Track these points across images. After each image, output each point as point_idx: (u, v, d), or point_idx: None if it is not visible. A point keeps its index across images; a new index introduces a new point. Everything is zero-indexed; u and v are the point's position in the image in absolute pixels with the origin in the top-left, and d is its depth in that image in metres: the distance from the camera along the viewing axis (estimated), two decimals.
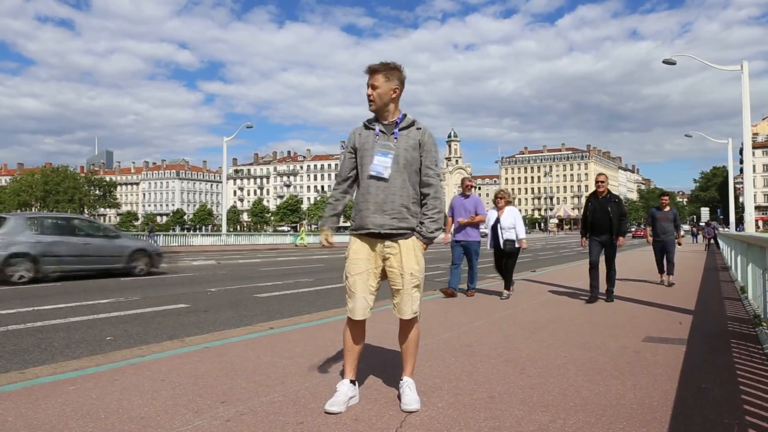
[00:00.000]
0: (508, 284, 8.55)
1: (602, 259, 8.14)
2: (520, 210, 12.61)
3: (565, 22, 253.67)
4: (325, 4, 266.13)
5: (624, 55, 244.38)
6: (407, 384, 3.19)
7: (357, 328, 3.19)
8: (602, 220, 7.95)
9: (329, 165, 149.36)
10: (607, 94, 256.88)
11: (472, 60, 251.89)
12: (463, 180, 9.09)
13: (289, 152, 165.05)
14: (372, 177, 3.11)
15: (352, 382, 3.19)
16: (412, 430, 2.80)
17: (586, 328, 5.78)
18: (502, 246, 8.50)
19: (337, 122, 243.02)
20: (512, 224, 8.50)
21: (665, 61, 19.98)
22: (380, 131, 3.20)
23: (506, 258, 8.59)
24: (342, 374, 3.24)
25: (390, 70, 3.13)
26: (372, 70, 3.15)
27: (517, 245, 8.51)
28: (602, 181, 8.10)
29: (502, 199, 8.71)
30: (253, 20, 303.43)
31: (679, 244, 11.11)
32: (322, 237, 3.35)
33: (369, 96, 3.16)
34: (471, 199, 8.72)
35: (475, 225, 8.63)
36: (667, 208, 10.92)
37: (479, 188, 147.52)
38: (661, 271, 10.88)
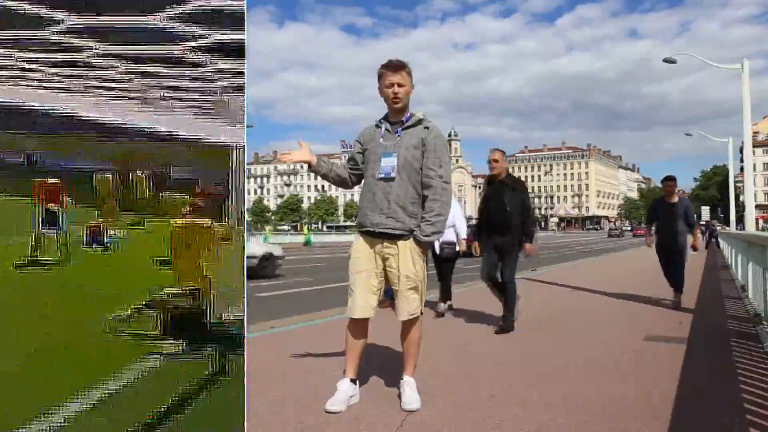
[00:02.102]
0: (446, 295, 6.86)
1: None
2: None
3: (565, 21, 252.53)
4: (325, 4, 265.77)
5: (623, 54, 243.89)
6: (408, 383, 3.18)
7: (358, 327, 3.19)
8: (496, 214, 5.52)
9: None
10: (606, 93, 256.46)
11: (471, 59, 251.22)
12: None
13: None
14: (381, 179, 3.10)
15: (353, 381, 3.19)
16: (412, 429, 2.80)
17: (586, 328, 5.77)
18: (438, 250, 6.72)
19: (338, 122, 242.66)
20: (450, 222, 6.28)
21: (666, 60, 19.95)
22: (386, 130, 3.20)
23: (443, 263, 6.92)
24: (343, 373, 3.24)
25: (410, 68, 3.15)
26: (398, 67, 3.12)
27: (457, 248, 6.79)
28: (496, 160, 5.60)
29: None
30: (253, 20, 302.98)
31: (694, 248, 7.74)
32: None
33: (396, 94, 3.11)
34: None
35: None
36: (675, 198, 7.53)
37: (480, 188, 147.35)
38: (672, 283, 7.63)
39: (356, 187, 3.38)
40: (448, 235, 6.59)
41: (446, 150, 3.21)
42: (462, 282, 10.67)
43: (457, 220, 6.78)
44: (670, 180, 7.60)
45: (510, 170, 5.93)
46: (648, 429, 2.80)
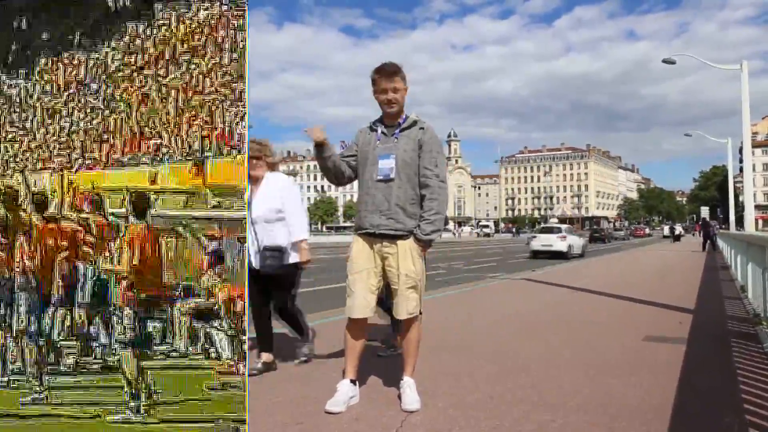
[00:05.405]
0: (301, 329, 4.23)
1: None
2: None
3: (563, 22, 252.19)
4: (323, 6, 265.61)
5: (621, 55, 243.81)
6: (407, 384, 3.19)
7: (357, 327, 3.19)
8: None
9: None
10: (605, 94, 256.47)
11: (470, 60, 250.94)
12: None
13: (288, 152, 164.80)
14: (380, 180, 3.11)
15: (353, 381, 3.19)
16: (412, 430, 2.80)
17: (586, 328, 5.77)
18: (256, 265, 3.89)
19: (337, 123, 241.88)
20: (276, 210, 3.95)
21: (665, 61, 19.94)
22: (382, 133, 3.21)
23: (273, 290, 3.99)
24: (343, 374, 3.24)
25: (403, 72, 3.16)
26: (393, 72, 3.13)
27: (291, 260, 3.92)
28: None
29: (259, 159, 4.02)
30: (252, 22, 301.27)
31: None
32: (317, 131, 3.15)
33: (391, 100, 3.12)
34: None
35: None
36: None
37: (479, 188, 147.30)
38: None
39: (356, 188, 3.36)
40: (273, 237, 3.91)
41: (441, 149, 3.27)
42: (460, 282, 10.70)
43: (289, 205, 4.00)
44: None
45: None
46: (648, 429, 2.81)
